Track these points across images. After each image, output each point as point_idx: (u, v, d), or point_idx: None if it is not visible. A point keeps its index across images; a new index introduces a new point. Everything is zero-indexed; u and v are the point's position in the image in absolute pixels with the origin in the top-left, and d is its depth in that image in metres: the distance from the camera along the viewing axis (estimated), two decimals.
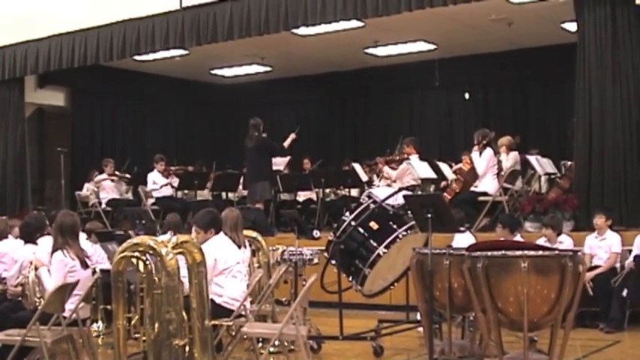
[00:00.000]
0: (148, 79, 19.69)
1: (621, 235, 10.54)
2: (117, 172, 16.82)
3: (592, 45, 11.63)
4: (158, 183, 15.92)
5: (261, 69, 19.56)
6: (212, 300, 7.49)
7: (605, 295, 10.08)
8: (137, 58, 16.69)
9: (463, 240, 9.81)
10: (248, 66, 19.35)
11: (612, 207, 11.07)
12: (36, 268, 7.94)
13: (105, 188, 16.70)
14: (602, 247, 10.49)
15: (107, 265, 9.31)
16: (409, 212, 8.44)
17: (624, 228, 10.96)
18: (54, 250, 7.71)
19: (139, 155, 18.54)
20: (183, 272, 6.63)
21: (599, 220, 10.51)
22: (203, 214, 8.40)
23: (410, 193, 9.62)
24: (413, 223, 8.46)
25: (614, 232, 10.55)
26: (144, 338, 6.53)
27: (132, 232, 11.55)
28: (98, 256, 10.29)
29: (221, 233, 8.21)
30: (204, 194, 16.51)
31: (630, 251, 10.31)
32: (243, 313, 7.99)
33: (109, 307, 9.12)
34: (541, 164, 12.94)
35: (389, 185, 13.38)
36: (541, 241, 10.21)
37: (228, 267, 8.05)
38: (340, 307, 8.74)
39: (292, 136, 15.00)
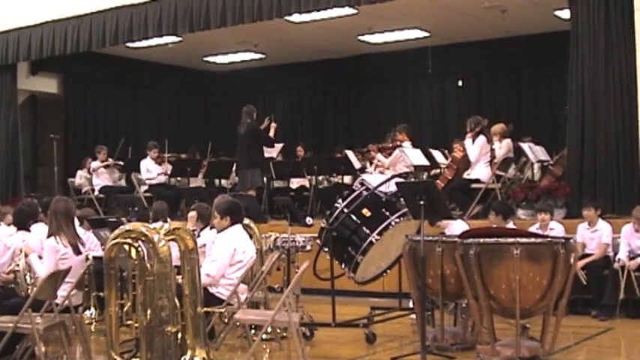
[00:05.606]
0: (141, 66, 19.66)
1: (613, 223, 10.55)
2: (110, 159, 16.79)
3: (585, 32, 11.64)
4: (152, 171, 15.90)
5: (254, 56, 19.54)
6: (205, 289, 7.55)
7: (597, 283, 10.10)
8: (130, 45, 16.66)
9: (456, 227, 9.83)
10: (241, 53, 19.34)
11: (601, 197, 11.10)
12: (26, 255, 7.95)
13: (98, 175, 16.67)
14: (594, 238, 10.47)
15: (100, 252, 9.32)
16: (402, 199, 8.45)
17: (616, 216, 10.99)
18: (49, 236, 7.72)
19: (133, 142, 18.48)
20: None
21: (588, 212, 10.50)
22: (224, 201, 8.60)
23: (402, 180, 9.59)
24: (405, 210, 8.47)
25: (606, 221, 10.55)
26: (136, 325, 6.55)
27: (124, 219, 11.54)
28: (91, 243, 10.28)
29: (239, 225, 8.31)
30: (198, 181, 16.50)
31: None
32: (234, 301, 8.05)
33: (101, 294, 9.15)
34: (534, 152, 12.96)
35: (382, 172, 13.37)
36: (533, 229, 10.23)
37: (240, 260, 8.18)
38: (333, 294, 8.74)
39: (273, 125, 15.07)
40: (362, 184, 9.13)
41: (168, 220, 11.20)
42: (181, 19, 14.30)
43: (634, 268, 9.95)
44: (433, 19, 15.91)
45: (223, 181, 16.35)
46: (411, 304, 9.04)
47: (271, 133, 15.02)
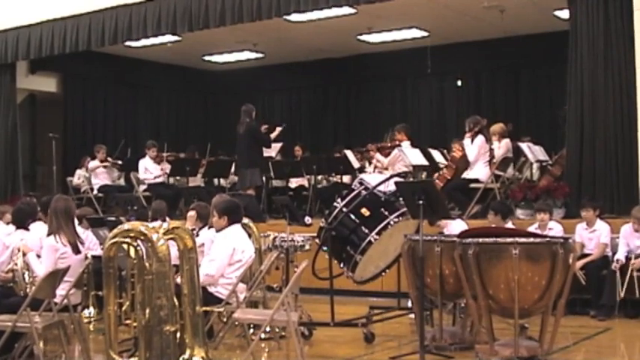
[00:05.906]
0: (140, 65, 19.64)
1: (612, 223, 10.53)
2: (109, 159, 16.78)
3: (584, 32, 11.64)
4: (151, 171, 15.89)
5: (253, 55, 19.52)
6: (204, 288, 7.56)
7: (596, 283, 10.10)
8: (129, 44, 16.65)
9: (455, 227, 9.83)
10: (240, 52, 19.32)
11: (599, 197, 11.10)
12: (24, 254, 7.95)
13: (97, 174, 16.67)
14: (593, 238, 10.46)
15: (99, 251, 9.32)
16: (400, 199, 8.45)
17: (615, 216, 10.98)
18: (48, 235, 7.72)
19: (132, 141, 18.49)
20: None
21: (586, 213, 10.48)
22: (222, 200, 8.67)
23: (401, 179, 9.59)
24: (404, 209, 8.47)
25: (604, 221, 10.54)
26: (135, 324, 6.54)
27: (123, 219, 11.53)
28: (90, 242, 10.28)
29: (238, 225, 8.32)
30: (197, 180, 16.50)
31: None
32: (233, 300, 8.05)
33: (100, 293, 9.14)
34: (533, 151, 12.97)
35: (380, 172, 13.37)
36: (532, 228, 10.23)
37: (240, 259, 8.19)
38: (331, 294, 8.73)
39: (278, 128, 15.06)
40: (361, 183, 9.13)
41: (167, 219, 11.20)
42: (180, 18, 14.30)
43: (638, 267, 9.94)
44: (432, 18, 15.91)
45: (222, 181, 16.36)
46: (409, 304, 9.04)
47: (273, 135, 15.02)
